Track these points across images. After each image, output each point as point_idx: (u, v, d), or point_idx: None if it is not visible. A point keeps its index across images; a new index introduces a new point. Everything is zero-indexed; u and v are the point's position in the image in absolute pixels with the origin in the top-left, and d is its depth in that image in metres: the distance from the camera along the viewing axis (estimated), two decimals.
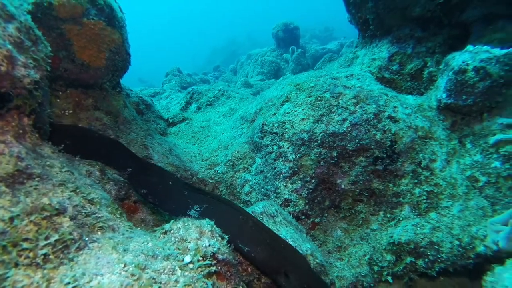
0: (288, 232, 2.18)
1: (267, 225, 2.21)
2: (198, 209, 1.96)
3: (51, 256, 1.25)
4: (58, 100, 2.69)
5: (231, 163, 3.35)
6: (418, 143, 2.71)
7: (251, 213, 2.29)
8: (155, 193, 2.10)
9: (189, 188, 2.05)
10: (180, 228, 1.75)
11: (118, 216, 1.87)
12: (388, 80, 3.41)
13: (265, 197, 2.88)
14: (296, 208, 2.75)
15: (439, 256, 2.44)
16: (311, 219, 2.79)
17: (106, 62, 2.64)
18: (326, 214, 2.83)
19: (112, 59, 2.73)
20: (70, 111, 2.71)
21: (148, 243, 1.60)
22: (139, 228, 2.01)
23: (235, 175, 3.26)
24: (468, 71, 2.63)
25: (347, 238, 2.83)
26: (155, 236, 1.75)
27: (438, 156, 2.73)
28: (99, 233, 1.56)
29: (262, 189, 2.95)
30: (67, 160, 1.98)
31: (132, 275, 1.29)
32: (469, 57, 2.64)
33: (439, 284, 2.64)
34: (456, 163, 2.74)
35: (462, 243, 2.42)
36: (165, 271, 1.41)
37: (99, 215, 1.64)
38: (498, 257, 2.00)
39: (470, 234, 2.43)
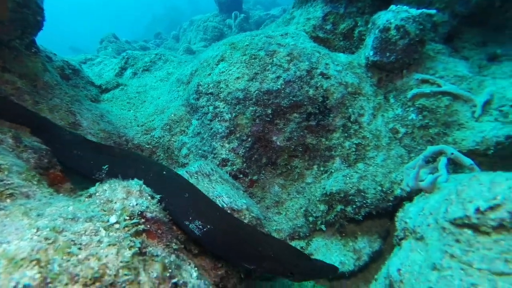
0: (223, 189, 2.21)
1: (202, 184, 2.21)
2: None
3: None
4: None
5: (168, 126, 3.25)
6: (348, 99, 2.85)
7: (186, 173, 2.27)
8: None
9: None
10: (106, 190, 1.67)
11: (35, 183, 1.74)
12: (322, 39, 3.48)
13: (203, 159, 2.87)
14: (234, 167, 2.79)
15: (364, 202, 2.66)
16: (249, 177, 2.85)
17: (11, 15, 2.31)
18: (263, 172, 2.91)
19: (19, 12, 2.40)
20: None
21: (69, 207, 1.51)
22: (61, 195, 1.90)
23: (172, 139, 3.18)
24: (391, 29, 2.77)
25: (284, 193, 2.96)
26: (80, 200, 1.67)
27: (366, 110, 2.90)
28: (8, 200, 1.44)
29: (200, 151, 2.92)
30: None
31: (46, 238, 1.22)
32: (392, 16, 2.76)
33: (364, 227, 2.91)
34: (381, 116, 2.95)
35: (383, 188, 2.66)
36: (86, 233, 1.35)
37: (8, 182, 1.51)
38: (410, 197, 2.24)
39: (390, 180, 2.68)
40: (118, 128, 3.42)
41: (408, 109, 2.86)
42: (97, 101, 4.10)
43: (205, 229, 1.82)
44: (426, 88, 2.78)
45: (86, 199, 1.65)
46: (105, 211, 1.53)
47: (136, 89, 4.56)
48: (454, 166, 2.62)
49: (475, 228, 1.46)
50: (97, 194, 1.64)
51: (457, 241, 1.53)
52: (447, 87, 2.69)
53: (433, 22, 3.15)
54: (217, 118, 2.81)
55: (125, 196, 1.62)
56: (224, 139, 2.78)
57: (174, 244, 1.74)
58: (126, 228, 1.46)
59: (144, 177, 1.75)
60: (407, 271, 1.77)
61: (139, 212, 1.56)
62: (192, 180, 2.21)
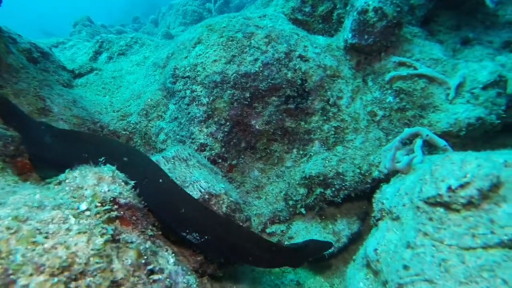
0: (201, 174, 2.18)
1: (179, 169, 2.17)
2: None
3: None
4: None
5: (144, 112, 3.16)
6: (327, 82, 2.84)
7: (162, 158, 2.22)
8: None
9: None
10: (76, 177, 1.60)
11: None
12: (301, 21, 3.42)
13: (181, 144, 2.81)
14: (213, 152, 2.75)
15: (343, 184, 2.69)
16: (228, 162, 2.82)
17: None
18: (242, 156, 2.88)
19: None
20: None
21: (35, 195, 1.44)
22: (29, 183, 1.82)
23: (149, 124, 3.09)
24: (369, 11, 2.75)
25: (264, 178, 2.96)
26: (48, 188, 1.59)
27: (344, 93, 2.91)
28: None
29: (178, 136, 2.86)
30: None
31: (8, 228, 1.16)
32: None
33: (344, 209, 2.96)
34: (360, 99, 2.96)
35: (362, 171, 2.69)
36: (54, 221, 1.30)
37: None
38: (387, 179, 2.28)
39: (369, 162, 2.71)
40: (93, 114, 3.30)
41: (385, 92, 2.88)
42: (69, 86, 3.93)
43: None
44: (403, 71, 2.80)
45: (55, 186, 1.58)
46: (75, 198, 1.47)
47: (111, 74, 4.40)
48: (429, 148, 2.68)
49: (447, 206, 1.49)
50: (66, 181, 1.58)
51: (430, 219, 1.56)
52: (423, 69, 2.72)
53: (410, 5, 3.16)
54: (194, 102, 2.74)
55: (97, 182, 1.56)
56: (202, 123, 2.73)
57: (149, 230, 1.70)
58: (98, 215, 1.41)
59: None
60: (383, 251, 1.81)
61: (112, 198, 1.51)
62: (168, 166, 2.17)
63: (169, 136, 2.93)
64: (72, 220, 1.34)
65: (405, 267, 1.49)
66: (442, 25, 3.32)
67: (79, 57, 5.33)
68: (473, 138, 2.76)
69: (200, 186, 2.07)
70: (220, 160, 2.79)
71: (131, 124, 3.16)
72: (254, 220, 2.88)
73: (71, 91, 3.57)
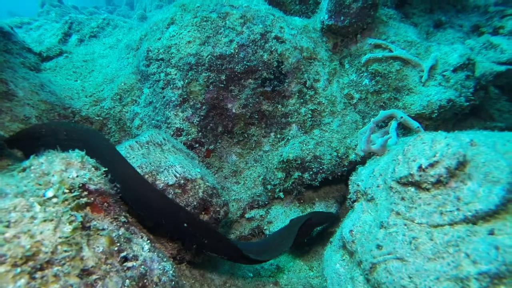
0: (176, 159, 2.13)
1: (154, 154, 2.12)
2: None
3: None
4: None
5: (118, 96, 3.05)
6: (303, 64, 2.82)
7: (136, 143, 2.15)
8: None
9: None
10: (42, 163, 1.53)
11: None
12: (277, 2, 3.36)
13: (156, 129, 2.74)
14: (189, 136, 2.70)
15: (321, 167, 2.72)
16: (206, 147, 2.79)
17: None
18: (220, 141, 2.85)
19: None
20: None
21: None
22: None
23: (124, 109, 2.99)
24: None
25: (242, 162, 2.94)
26: (12, 175, 1.51)
27: (321, 76, 2.90)
28: None
29: (153, 121, 2.78)
30: None
31: None
32: None
33: (322, 193, 3.00)
34: (336, 82, 2.96)
35: (339, 154, 2.72)
36: (16, 209, 1.24)
37: None
38: (364, 162, 2.31)
39: (345, 145, 2.74)
40: (63, 99, 3.15)
41: (362, 74, 2.89)
42: (37, 70, 3.73)
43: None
44: (379, 53, 2.81)
45: (19, 173, 1.51)
46: (40, 185, 1.40)
47: (83, 57, 4.20)
48: (404, 130, 2.73)
49: (418, 185, 1.53)
50: (31, 167, 1.50)
51: (402, 199, 1.60)
52: (397, 52, 2.74)
53: None
54: (169, 86, 2.67)
55: (64, 168, 1.50)
56: (178, 107, 2.66)
57: (123, 217, 1.65)
58: (66, 202, 1.36)
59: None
60: (358, 232, 1.85)
61: (81, 184, 1.45)
62: (142, 151, 2.11)
63: (144, 121, 2.85)
64: (37, 207, 1.28)
65: (378, 247, 1.53)
66: (416, 8, 3.34)
67: (47, 39, 5.06)
68: (444, 120, 2.83)
69: (175, 171, 2.03)
70: (197, 145, 2.75)
71: (104, 110, 3.05)
72: (233, 205, 2.87)
73: (39, 75, 3.39)
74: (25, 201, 1.28)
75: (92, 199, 1.50)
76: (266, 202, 2.94)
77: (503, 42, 3.00)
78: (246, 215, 2.88)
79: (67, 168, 1.51)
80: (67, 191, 1.40)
